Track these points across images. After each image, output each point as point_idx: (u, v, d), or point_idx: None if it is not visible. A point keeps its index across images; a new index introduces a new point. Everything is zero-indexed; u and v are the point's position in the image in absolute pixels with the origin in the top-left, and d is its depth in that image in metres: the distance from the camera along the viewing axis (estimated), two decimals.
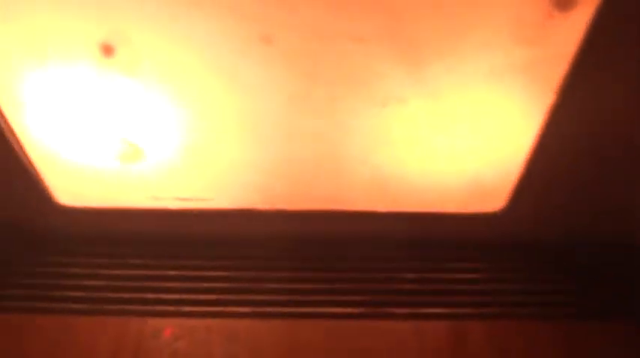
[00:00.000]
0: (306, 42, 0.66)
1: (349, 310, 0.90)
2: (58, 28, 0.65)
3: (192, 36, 0.66)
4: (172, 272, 0.93)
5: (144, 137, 0.80)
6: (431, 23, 0.65)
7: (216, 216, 0.91)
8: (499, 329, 0.87)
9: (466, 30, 0.66)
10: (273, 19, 0.64)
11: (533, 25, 0.65)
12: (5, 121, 0.76)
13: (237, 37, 0.66)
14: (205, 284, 0.91)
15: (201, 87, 0.72)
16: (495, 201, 0.90)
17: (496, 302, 0.89)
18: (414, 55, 0.69)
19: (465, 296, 0.90)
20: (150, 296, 0.91)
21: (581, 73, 0.69)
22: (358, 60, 0.69)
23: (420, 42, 0.67)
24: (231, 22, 0.64)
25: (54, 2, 0.62)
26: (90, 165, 0.84)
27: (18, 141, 0.79)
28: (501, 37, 0.66)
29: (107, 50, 0.67)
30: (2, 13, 0.64)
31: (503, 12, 0.64)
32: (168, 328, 0.88)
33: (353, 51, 0.68)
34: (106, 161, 0.83)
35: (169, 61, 0.69)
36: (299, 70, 0.70)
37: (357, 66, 0.70)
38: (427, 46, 0.68)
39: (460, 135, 0.79)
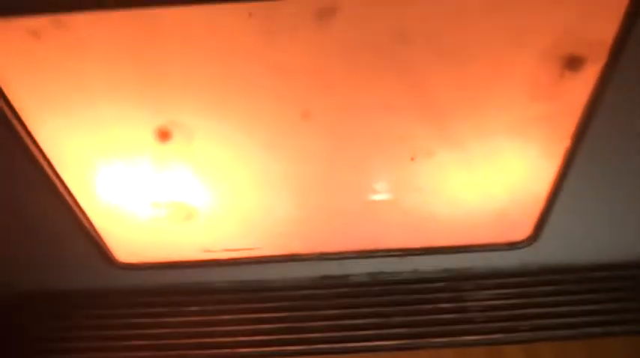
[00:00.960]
0: (339, 115, 0.74)
1: (392, 343, 0.97)
2: (119, 120, 0.73)
3: (239, 116, 0.74)
4: (227, 317, 1.01)
5: (195, 198, 0.88)
6: (453, 88, 0.72)
7: (263, 263, 0.99)
8: (534, 351, 0.94)
9: (486, 92, 0.73)
10: (311, 98, 0.72)
11: (547, 84, 0.72)
12: (70, 194, 0.84)
13: (279, 115, 0.73)
14: (259, 326, 0.99)
15: (247, 156, 0.80)
16: (521, 231, 0.96)
17: (530, 326, 0.96)
18: (439, 116, 0.75)
19: (500, 322, 0.97)
20: (207, 340, 0.99)
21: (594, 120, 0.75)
22: (387, 124, 0.76)
23: (444, 105, 0.74)
24: (274, 103, 0.72)
25: (115, 99, 0.70)
26: (146, 226, 0.92)
27: (82, 210, 0.87)
28: (519, 96, 0.73)
29: (163, 135, 0.75)
30: (67, 108, 0.72)
31: (520, 75, 0.71)
32: None
33: (383, 118, 0.75)
34: (160, 221, 0.91)
35: (219, 137, 0.76)
36: (333, 137, 0.77)
37: (386, 129, 0.77)
38: (451, 108, 0.74)
39: (484, 178, 0.86)
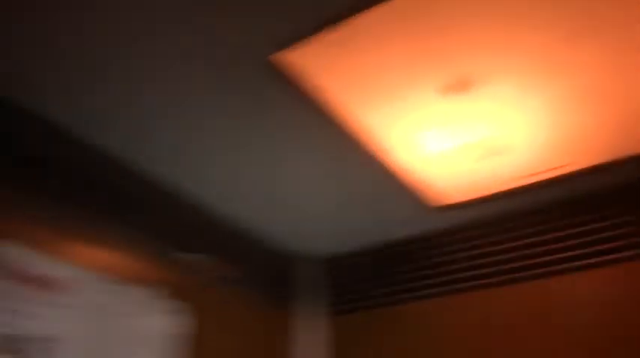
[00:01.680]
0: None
1: None
2: (419, 84, 0.82)
3: (523, 58, 0.77)
4: (546, 237, 1.05)
5: (501, 134, 0.93)
6: None
7: (575, 178, 0.99)
8: None
9: None
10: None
11: None
12: (394, 158, 0.97)
13: (549, 49, 0.73)
14: (580, 240, 1.02)
15: (536, 89, 0.82)
16: None
17: None
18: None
19: None
20: (529, 262, 1.05)
21: None
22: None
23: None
24: (542, 42, 0.72)
25: (414, 73, 0.79)
26: (460, 168, 1.01)
27: (403, 168, 1.00)
28: None
29: (463, 85, 0.81)
30: (381, 95, 0.84)
31: None
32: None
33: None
34: (471, 162, 0.98)
35: (508, 78, 0.82)
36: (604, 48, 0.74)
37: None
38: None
39: None
